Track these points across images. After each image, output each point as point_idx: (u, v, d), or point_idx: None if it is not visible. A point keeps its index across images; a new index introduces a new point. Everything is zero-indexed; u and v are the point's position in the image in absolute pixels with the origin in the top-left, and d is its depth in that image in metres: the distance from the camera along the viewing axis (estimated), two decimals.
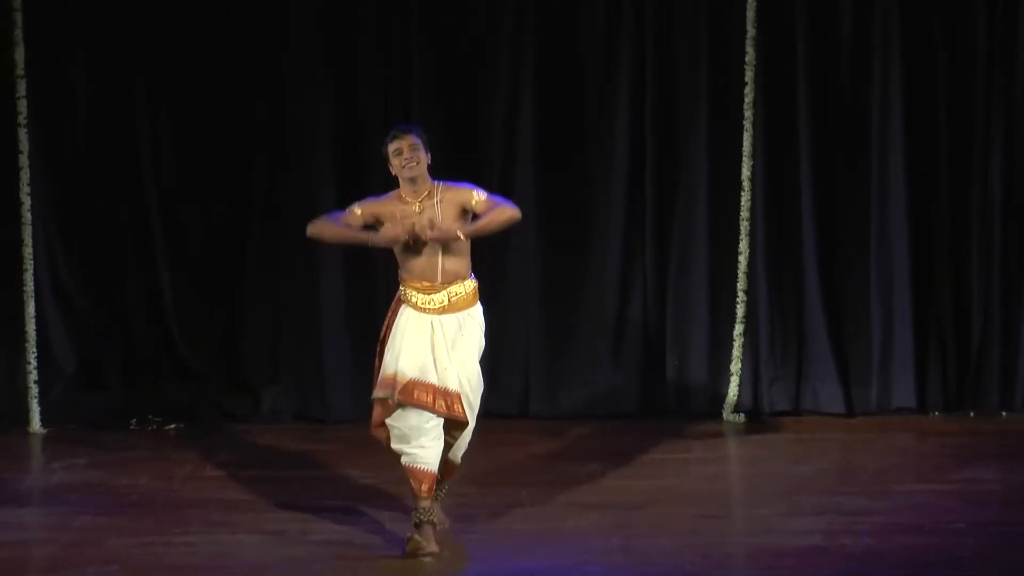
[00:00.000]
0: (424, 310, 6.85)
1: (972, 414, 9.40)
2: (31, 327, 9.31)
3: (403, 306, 6.89)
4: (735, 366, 9.39)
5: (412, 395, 6.76)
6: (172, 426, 9.32)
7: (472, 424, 6.92)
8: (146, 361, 9.53)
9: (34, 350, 9.32)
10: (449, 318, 6.84)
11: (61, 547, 7.06)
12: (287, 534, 7.19)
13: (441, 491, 7.07)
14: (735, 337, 9.39)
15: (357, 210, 6.90)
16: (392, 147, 6.85)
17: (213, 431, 9.20)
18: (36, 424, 9.31)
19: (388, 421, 6.84)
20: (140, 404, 9.37)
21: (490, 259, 8.87)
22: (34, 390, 9.30)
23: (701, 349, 9.46)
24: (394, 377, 6.79)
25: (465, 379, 6.83)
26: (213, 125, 9.36)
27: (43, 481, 8.38)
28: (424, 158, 6.84)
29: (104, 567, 6.74)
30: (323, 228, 6.93)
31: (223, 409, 9.43)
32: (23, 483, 8.27)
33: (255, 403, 9.45)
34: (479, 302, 6.96)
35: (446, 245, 6.81)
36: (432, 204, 6.82)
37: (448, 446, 6.90)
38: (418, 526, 6.86)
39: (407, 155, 6.81)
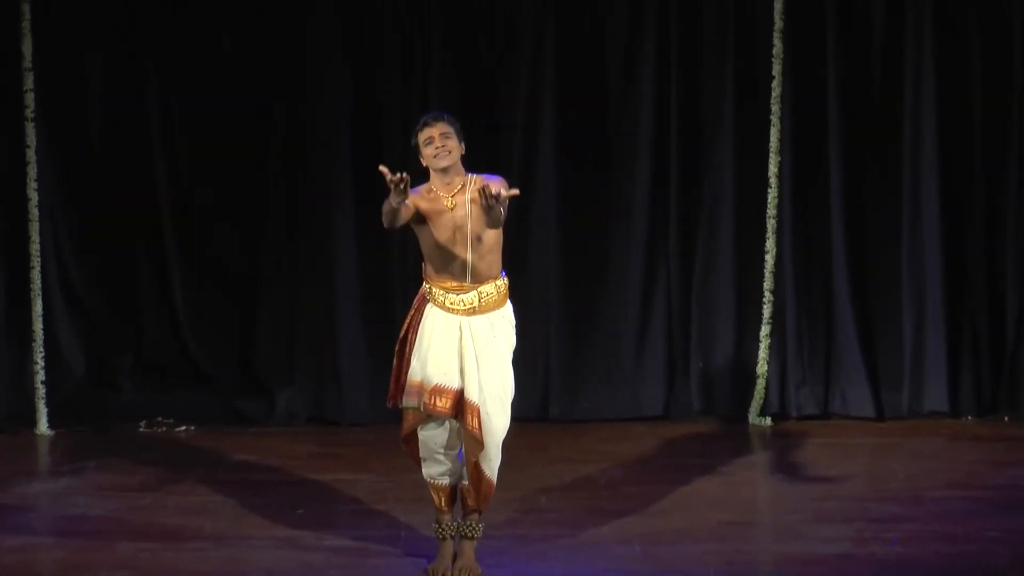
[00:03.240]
0: (452, 311, 6.61)
1: (1006, 418, 9.44)
2: (38, 326, 9.33)
3: (428, 305, 6.65)
4: (761, 368, 9.43)
5: (433, 403, 6.58)
6: (183, 428, 9.36)
7: (506, 424, 6.68)
8: (157, 361, 9.58)
9: (41, 350, 9.33)
10: (479, 320, 6.59)
11: (70, 552, 7.09)
12: (301, 539, 7.20)
13: (475, 525, 6.74)
14: (762, 338, 9.44)
15: (408, 202, 6.51)
16: (422, 136, 6.54)
17: (225, 433, 9.23)
18: (44, 426, 9.32)
19: (419, 430, 6.69)
20: (151, 406, 9.43)
21: (511, 258, 8.72)
22: (42, 391, 9.32)
23: (726, 350, 9.52)
24: (420, 385, 6.62)
25: (495, 388, 6.58)
26: (227, 121, 9.37)
27: (51, 484, 8.36)
28: (457, 147, 6.54)
29: (114, 572, 6.79)
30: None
31: (236, 411, 9.46)
32: (31, 486, 8.27)
33: (269, 405, 9.47)
34: (509, 300, 6.70)
35: (477, 244, 6.57)
36: (464, 201, 6.57)
37: (474, 461, 6.68)
38: (441, 541, 6.79)
39: (438, 143, 6.51)
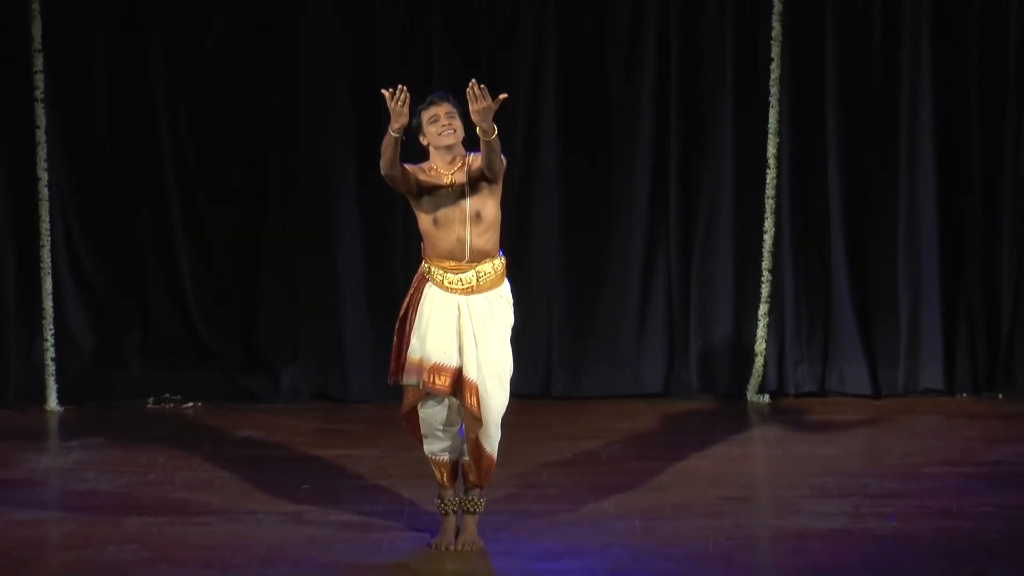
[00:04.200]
0: (450, 290, 6.56)
1: (1001, 396, 9.34)
2: (48, 304, 9.28)
3: (427, 284, 6.59)
4: (760, 346, 9.36)
5: (432, 381, 6.57)
6: (190, 405, 9.33)
7: (504, 402, 6.64)
8: (164, 339, 9.49)
9: (51, 327, 9.28)
10: (477, 299, 6.55)
11: (79, 526, 7.04)
12: (306, 514, 7.16)
13: (477, 500, 6.70)
14: (760, 317, 9.37)
15: (408, 170, 6.56)
16: (428, 114, 6.53)
17: (231, 410, 9.20)
18: (53, 402, 9.28)
19: (419, 408, 6.65)
20: (158, 383, 9.37)
21: (513, 238, 8.80)
22: (51, 368, 9.28)
23: (725, 329, 9.42)
24: (420, 363, 6.56)
25: (493, 367, 6.55)
26: (232, 101, 9.31)
27: (61, 460, 8.34)
28: (461, 128, 6.52)
29: (122, 546, 6.72)
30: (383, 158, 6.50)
31: (241, 388, 9.42)
32: (40, 462, 8.25)
33: (274, 382, 9.42)
34: (506, 279, 6.67)
35: (476, 220, 6.52)
36: (463, 177, 6.51)
37: (474, 438, 6.64)
38: (444, 516, 6.78)
39: (444, 122, 6.50)
